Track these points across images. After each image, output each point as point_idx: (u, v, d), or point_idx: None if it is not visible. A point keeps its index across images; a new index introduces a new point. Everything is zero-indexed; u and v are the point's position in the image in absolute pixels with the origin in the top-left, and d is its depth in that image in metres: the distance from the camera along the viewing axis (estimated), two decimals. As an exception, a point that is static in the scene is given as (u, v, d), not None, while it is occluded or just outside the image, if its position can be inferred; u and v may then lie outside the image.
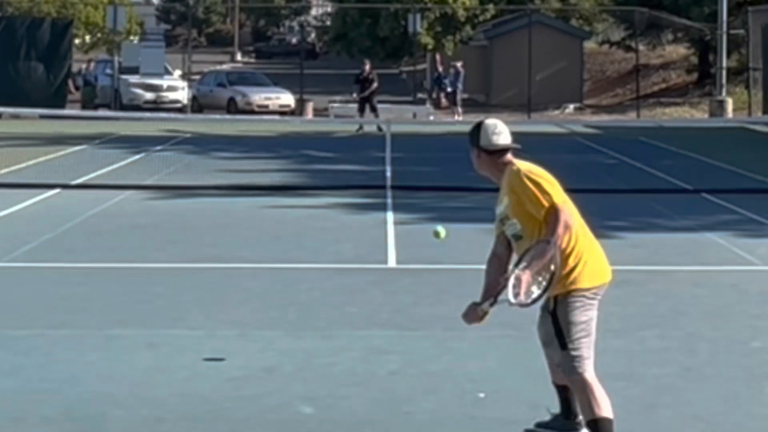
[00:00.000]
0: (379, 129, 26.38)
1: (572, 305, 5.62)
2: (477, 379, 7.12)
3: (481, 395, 6.76)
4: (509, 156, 5.85)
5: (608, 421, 5.60)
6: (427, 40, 43.26)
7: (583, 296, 5.63)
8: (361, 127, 29.29)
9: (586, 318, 5.64)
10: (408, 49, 42.82)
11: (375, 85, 30.94)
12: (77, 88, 37.45)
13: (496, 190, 5.90)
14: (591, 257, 5.70)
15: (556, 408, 6.00)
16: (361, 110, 30.80)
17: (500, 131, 5.84)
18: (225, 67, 60.35)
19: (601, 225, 13.67)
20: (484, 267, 5.77)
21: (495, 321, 8.09)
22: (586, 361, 5.61)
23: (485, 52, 44.27)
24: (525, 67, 36.97)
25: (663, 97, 42.70)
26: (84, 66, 39.14)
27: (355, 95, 31.66)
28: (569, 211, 5.62)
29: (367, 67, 31.54)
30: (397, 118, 30.08)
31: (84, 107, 35.83)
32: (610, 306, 9.27)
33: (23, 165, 19.89)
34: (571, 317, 5.61)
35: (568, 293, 5.61)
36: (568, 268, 5.60)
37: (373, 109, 30.83)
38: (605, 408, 5.59)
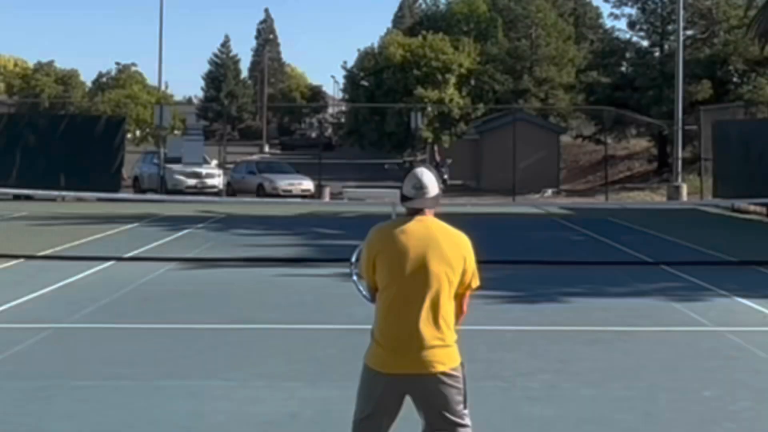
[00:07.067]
0: None
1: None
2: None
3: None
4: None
5: None
6: (426, 134, 43.62)
7: None
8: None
9: None
10: (410, 141, 43.15)
11: None
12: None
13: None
14: None
15: None
16: None
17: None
18: (255, 157, 60.74)
19: (572, 292, 13.81)
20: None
21: (484, 374, 8.15)
22: None
23: (476, 144, 44.59)
24: (510, 157, 37.24)
25: (628, 183, 42.94)
26: None
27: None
28: None
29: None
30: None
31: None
32: (582, 361, 9.36)
33: (84, 240, 20.01)
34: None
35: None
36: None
37: None
38: None
